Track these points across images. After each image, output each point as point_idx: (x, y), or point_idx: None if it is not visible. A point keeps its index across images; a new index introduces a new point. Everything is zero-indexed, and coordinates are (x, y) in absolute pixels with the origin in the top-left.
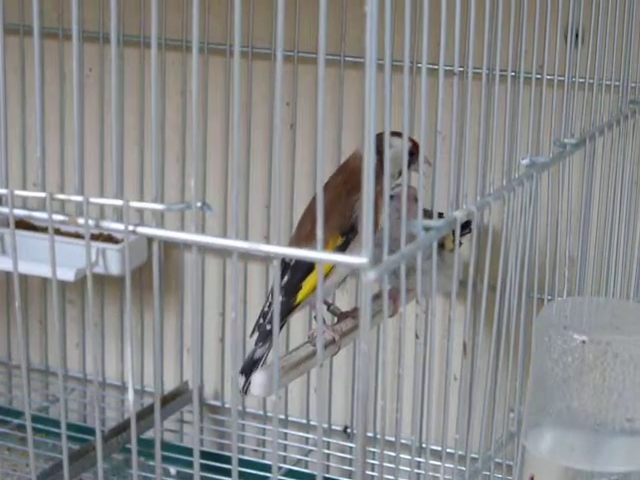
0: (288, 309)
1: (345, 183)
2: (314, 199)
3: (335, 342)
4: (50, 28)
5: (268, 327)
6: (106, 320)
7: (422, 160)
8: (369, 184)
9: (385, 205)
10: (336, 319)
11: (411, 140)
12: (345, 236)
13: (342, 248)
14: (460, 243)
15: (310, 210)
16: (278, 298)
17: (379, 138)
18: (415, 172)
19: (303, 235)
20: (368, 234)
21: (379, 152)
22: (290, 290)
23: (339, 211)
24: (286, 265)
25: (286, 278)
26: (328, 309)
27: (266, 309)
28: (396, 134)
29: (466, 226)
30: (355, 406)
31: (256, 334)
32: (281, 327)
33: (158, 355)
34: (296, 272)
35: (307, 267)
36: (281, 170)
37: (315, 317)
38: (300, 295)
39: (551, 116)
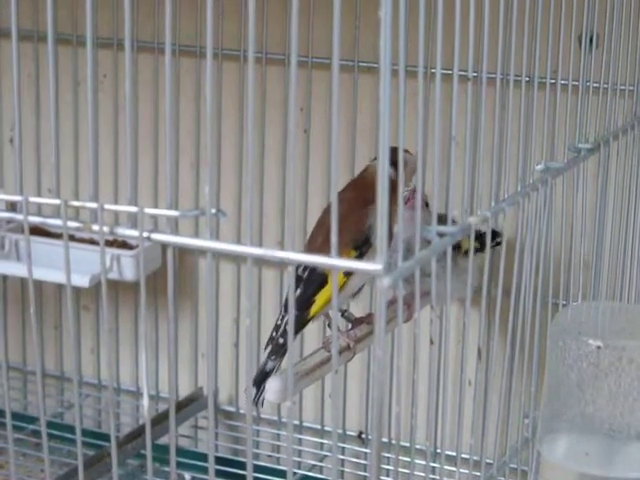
0: (301, 323)
1: (357, 198)
2: (325, 212)
3: (350, 348)
4: (64, 34)
5: (281, 341)
6: (121, 326)
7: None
8: (384, 190)
9: (400, 210)
10: (350, 325)
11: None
12: (359, 250)
13: None
14: (479, 249)
15: (321, 224)
16: (294, 296)
17: (392, 152)
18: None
19: (314, 249)
20: (383, 240)
21: (393, 164)
22: (303, 304)
23: (352, 225)
24: (299, 278)
25: (299, 292)
26: (342, 315)
27: (279, 322)
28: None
29: (495, 236)
30: (370, 412)
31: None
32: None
33: (173, 361)
34: (309, 286)
35: (320, 281)
36: (295, 176)
37: (329, 325)
38: (313, 309)
39: (565, 121)
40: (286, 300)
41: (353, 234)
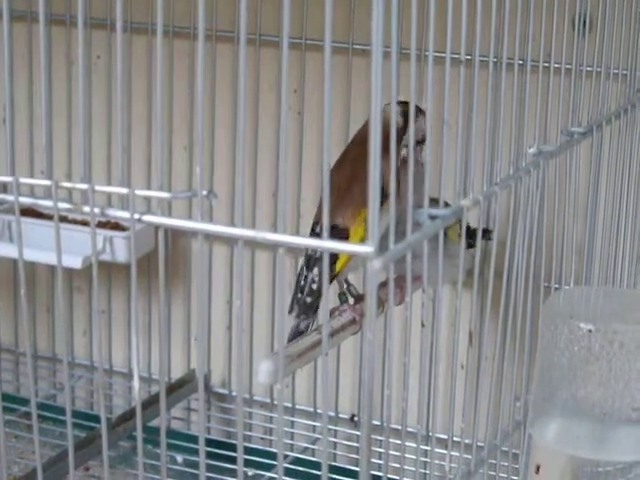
0: (330, 279)
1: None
2: (347, 153)
3: (356, 321)
4: (58, 15)
5: (309, 300)
6: (113, 307)
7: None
8: (375, 170)
9: (391, 200)
10: (353, 300)
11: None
12: None
13: None
14: (471, 245)
15: (344, 164)
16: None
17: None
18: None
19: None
20: (374, 222)
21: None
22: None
23: (365, 183)
24: (310, 258)
25: (319, 251)
26: (347, 288)
27: (302, 283)
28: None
29: (485, 233)
30: (362, 394)
31: (294, 310)
32: (319, 299)
33: (165, 343)
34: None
35: (342, 237)
36: (288, 158)
37: (339, 295)
38: (338, 265)
39: (559, 104)
40: (307, 259)
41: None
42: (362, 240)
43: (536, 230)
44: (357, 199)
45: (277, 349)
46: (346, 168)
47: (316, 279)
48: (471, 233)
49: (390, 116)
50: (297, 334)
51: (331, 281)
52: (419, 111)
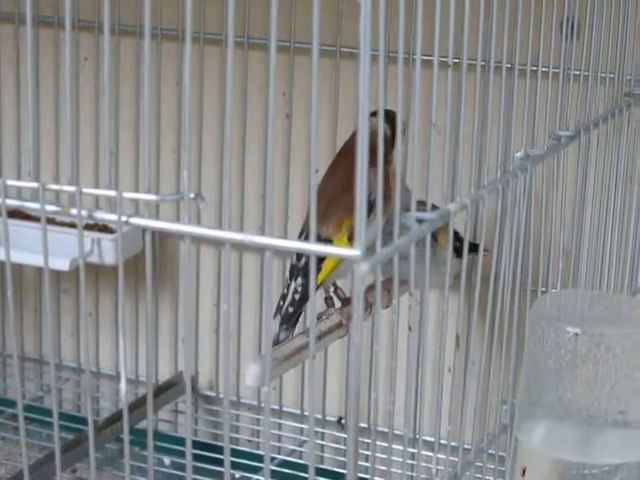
0: (309, 290)
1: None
2: (325, 179)
3: (343, 325)
4: (45, 17)
5: (290, 310)
6: (101, 310)
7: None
8: (362, 177)
9: (379, 206)
10: (341, 304)
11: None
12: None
13: None
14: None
15: (331, 178)
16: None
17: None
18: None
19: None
20: (361, 226)
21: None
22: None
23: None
24: (294, 267)
25: (303, 260)
26: (334, 292)
27: (285, 291)
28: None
29: (473, 248)
30: (349, 397)
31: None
32: (301, 310)
33: (152, 345)
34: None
35: None
36: (275, 161)
37: (325, 299)
38: (320, 276)
39: (546, 108)
40: (291, 268)
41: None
42: (338, 263)
43: (523, 234)
44: (340, 210)
45: (264, 352)
46: (332, 180)
47: (299, 289)
48: (461, 239)
49: (376, 127)
50: (275, 344)
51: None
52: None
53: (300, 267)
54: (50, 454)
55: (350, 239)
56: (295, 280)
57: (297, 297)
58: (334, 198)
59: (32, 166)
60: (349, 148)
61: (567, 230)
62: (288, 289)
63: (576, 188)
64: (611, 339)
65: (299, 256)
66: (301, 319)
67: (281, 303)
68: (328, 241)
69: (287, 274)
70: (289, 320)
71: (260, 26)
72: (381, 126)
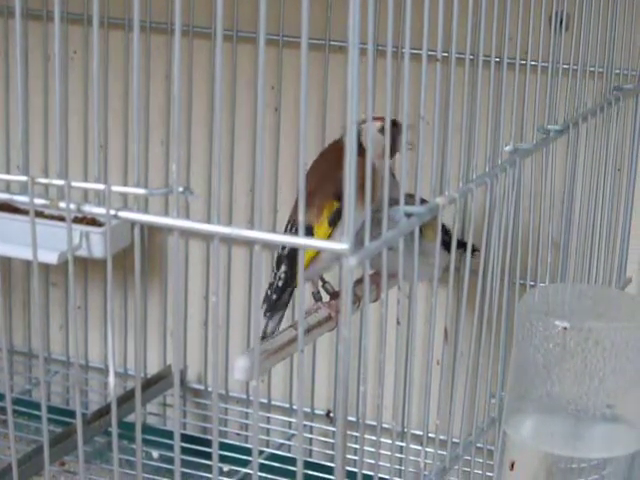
0: (292, 277)
1: (340, 158)
2: (316, 163)
3: (332, 318)
4: (35, 10)
5: (274, 297)
6: (90, 303)
7: (404, 141)
8: (351, 169)
9: (367, 192)
10: (329, 297)
11: (393, 122)
12: (341, 200)
13: (339, 213)
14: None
15: (313, 172)
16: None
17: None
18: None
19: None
20: (350, 220)
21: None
22: (292, 259)
23: (335, 178)
24: (280, 257)
25: (287, 249)
26: (323, 286)
27: (271, 280)
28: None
29: (461, 245)
30: (337, 391)
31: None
32: (290, 295)
33: (140, 338)
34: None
35: (307, 235)
36: (264, 154)
37: (313, 293)
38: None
39: (535, 102)
40: (278, 258)
41: (337, 185)
42: (326, 236)
43: (512, 227)
44: (320, 197)
45: (253, 345)
46: (314, 173)
47: (282, 276)
48: (449, 233)
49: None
50: (264, 336)
51: (295, 277)
52: (394, 124)
53: (285, 255)
54: (39, 447)
55: (330, 224)
56: (279, 268)
57: (280, 284)
58: (316, 188)
59: (21, 159)
60: (331, 149)
61: (556, 224)
62: (275, 278)
63: (565, 182)
64: (600, 333)
65: (280, 264)
66: (289, 313)
67: (268, 293)
68: (309, 228)
69: (274, 264)
70: (273, 307)
71: (249, 19)
72: (384, 127)
